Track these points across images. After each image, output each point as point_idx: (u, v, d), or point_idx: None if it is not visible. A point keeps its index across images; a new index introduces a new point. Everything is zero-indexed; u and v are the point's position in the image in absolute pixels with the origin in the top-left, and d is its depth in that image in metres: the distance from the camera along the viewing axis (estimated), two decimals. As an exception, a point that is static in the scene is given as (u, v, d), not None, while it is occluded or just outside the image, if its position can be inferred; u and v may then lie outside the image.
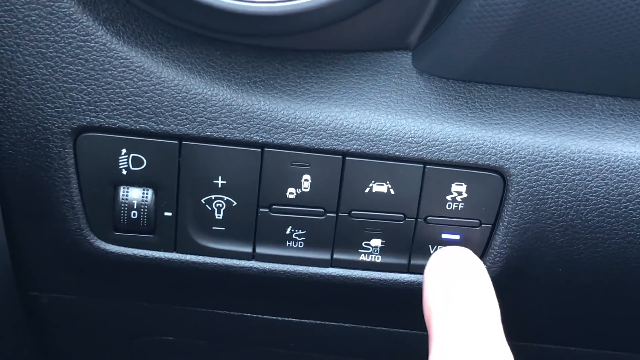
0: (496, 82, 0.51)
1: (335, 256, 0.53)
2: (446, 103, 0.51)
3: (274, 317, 0.62)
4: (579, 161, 0.51)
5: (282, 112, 0.50)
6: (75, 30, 0.48)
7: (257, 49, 0.50)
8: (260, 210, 0.52)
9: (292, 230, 0.52)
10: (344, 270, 0.54)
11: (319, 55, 0.51)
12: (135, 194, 0.51)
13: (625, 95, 0.52)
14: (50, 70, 0.48)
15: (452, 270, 0.46)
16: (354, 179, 0.51)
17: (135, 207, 0.51)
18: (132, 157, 0.50)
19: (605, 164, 0.51)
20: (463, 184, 0.51)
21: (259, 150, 0.50)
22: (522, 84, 0.52)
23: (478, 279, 0.45)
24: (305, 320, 0.62)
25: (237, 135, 0.50)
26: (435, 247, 0.53)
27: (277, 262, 0.54)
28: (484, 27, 0.47)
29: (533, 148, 0.51)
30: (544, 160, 0.51)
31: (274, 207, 0.52)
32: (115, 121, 0.49)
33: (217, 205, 0.52)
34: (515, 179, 0.51)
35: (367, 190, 0.51)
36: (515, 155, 0.51)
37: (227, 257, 0.53)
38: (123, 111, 0.49)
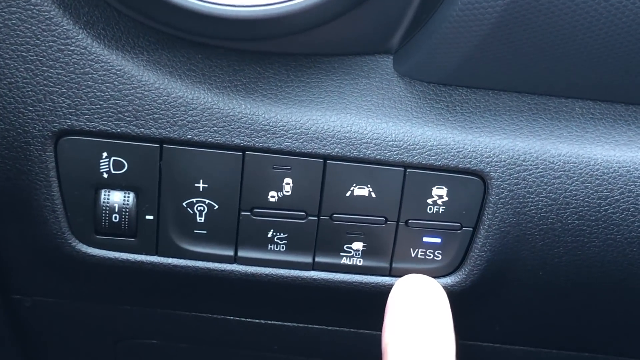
0: (477, 86, 0.52)
1: (317, 259, 0.54)
2: (427, 107, 0.51)
3: (257, 320, 0.62)
4: (559, 165, 0.51)
5: (263, 115, 0.50)
6: (56, 34, 0.48)
7: (238, 52, 0.51)
8: (242, 213, 0.52)
9: (274, 233, 0.53)
10: (326, 273, 0.54)
11: (300, 58, 0.51)
12: (116, 198, 0.51)
13: (605, 99, 0.52)
14: (30, 74, 0.48)
15: (412, 304, 0.46)
16: (335, 182, 0.51)
17: (116, 210, 0.51)
18: (113, 160, 0.50)
19: (585, 167, 0.51)
20: (444, 187, 0.51)
21: (240, 153, 0.50)
22: (503, 88, 0.52)
23: (437, 314, 0.46)
24: (288, 323, 0.62)
25: (219, 138, 0.50)
26: (417, 250, 0.53)
27: (259, 265, 0.54)
28: (464, 31, 0.48)
29: (513, 152, 0.51)
30: (524, 163, 0.51)
31: (255, 210, 0.52)
32: (96, 124, 0.49)
33: (199, 208, 0.52)
34: (495, 183, 0.51)
35: (348, 194, 0.51)
36: (495, 159, 0.51)
37: (208, 261, 0.53)
38: (104, 114, 0.49)
